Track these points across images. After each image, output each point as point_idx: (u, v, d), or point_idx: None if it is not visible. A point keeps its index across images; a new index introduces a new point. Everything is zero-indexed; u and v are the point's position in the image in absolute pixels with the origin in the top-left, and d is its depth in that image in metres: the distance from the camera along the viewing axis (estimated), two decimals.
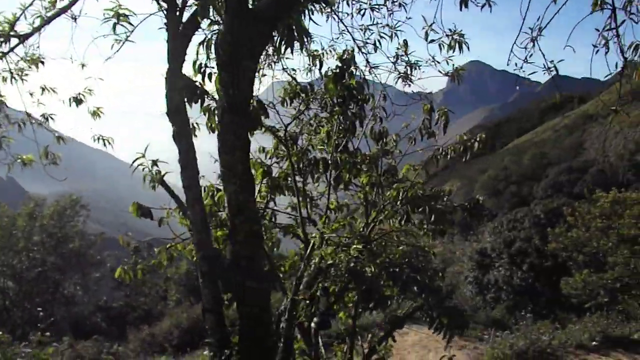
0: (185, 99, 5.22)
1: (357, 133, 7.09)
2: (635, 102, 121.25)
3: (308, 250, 5.64)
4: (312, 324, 5.35)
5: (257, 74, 7.05)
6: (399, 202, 5.77)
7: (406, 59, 6.45)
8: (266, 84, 7.43)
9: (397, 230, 6.96)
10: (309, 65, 6.77)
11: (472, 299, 30.73)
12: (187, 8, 4.88)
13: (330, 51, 6.85)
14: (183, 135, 4.65)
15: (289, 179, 7.22)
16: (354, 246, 5.41)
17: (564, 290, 17.78)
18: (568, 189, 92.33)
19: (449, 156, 6.61)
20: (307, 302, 5.47)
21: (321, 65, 6.83)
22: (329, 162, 6.58)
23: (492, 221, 38.44)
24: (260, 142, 7.46)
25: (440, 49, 5.78)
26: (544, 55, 4.46)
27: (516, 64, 4.66)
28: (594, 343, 13.19)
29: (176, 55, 4.64)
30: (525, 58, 4.53)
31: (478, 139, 5.97)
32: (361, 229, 6.61)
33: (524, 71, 4.84)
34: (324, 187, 7.23)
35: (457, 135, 6.19)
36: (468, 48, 5.70)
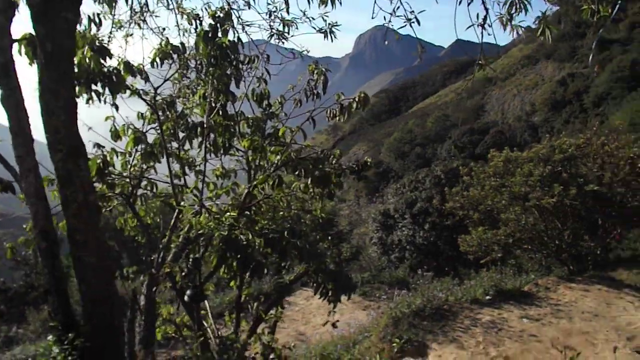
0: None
1: (240, 95, 6.79)
2: (530, 66, 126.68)
3: (173, 220, 5.34)
4: (186, 298, 5.08)
5: (126, 34, 6.61)
6: (272, 167, 5.55)
7: (280, 15, 6.15)
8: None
9: (280, 194, 6.76)
10: (178, 24, 6.34)
11: (378, 260, 31.29)
12: None
13: (206, 9, 6.46)
14: (12, 99, 4.16)
15: (169, 145, 6.87)
16: (228, 214, 5.16)
17: (461, 248, 18.25)
18: (470, 150, 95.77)
19: (337, 117, 6.38)
20: (184, 274, 5.19)
21: (198, 25, 6.44)
22: (205, 126, 6.23)
23: (396, 182, 39.19)
24: (139, 107, 7.02)
25: (309, 3, 5.51)
26: (404, 8, 4.29)
27: (384, 17, 4.48)
28: (487, 297, 13.60)
29: (2, 9, 4.13)
30: (393, 10, 4.35)
31: (356, 99, 5.80)
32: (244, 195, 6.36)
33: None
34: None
35: (334, 95, 5.99)
36: (340, 3, 5.45)
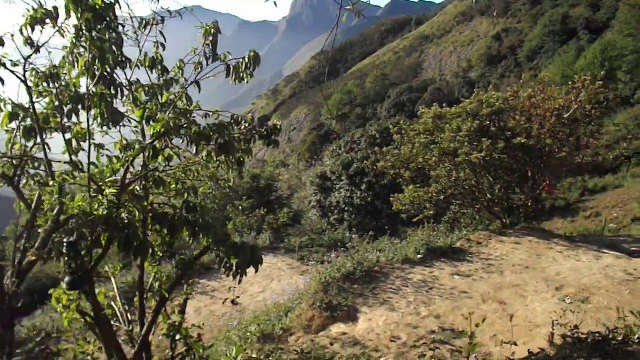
0: None
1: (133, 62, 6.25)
2: (465, 22, 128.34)
3: (35, 202, 4.82)
4: (64, 286, 4.63)
5: None
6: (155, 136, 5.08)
7: None
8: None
9: (182, 165, 6.35)
10: None
11: (318, 222, 31.23)
12: None
13: None
14: None
15: (58, 119, 6.29)
16: (108, 190, 4.70)
17: (394, 207, 18.13)
18: (410, 108, 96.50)
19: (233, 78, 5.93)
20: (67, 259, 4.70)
21: None
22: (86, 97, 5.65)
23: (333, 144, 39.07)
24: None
25: None
26: None
27: None
28: (419, 256, 13.52)
29: None
30: None
31: (246, 59, 5.38)
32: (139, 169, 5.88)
33: None
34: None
35: (222, 55, 5.56)
36: None
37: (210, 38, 5.57)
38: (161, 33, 6.28)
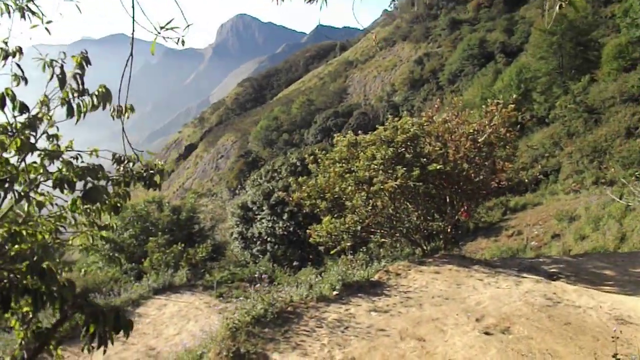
0: None
1: None
2: (388, 47, 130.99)
3: None
4: None
5: None
6: None
7: None
8: None
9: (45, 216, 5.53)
10: None
11: (241, 255, 30.38)
12: None
13: None
14: None
15: None
16: None
17: (312, 239, 17.36)
18: (336, 133, 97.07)
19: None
20: None
21: None
22: None
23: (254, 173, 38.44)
24: None
25: None
26: None
27: None
28: (335, 293, 12.87)
29: None
30: None
31: (93, 98, 4.69)
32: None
33: None
34: None
35: (64, 92, 4.81)
36: None
37: (58, 71, 4.80)
38: (18, 65, 5.51)
